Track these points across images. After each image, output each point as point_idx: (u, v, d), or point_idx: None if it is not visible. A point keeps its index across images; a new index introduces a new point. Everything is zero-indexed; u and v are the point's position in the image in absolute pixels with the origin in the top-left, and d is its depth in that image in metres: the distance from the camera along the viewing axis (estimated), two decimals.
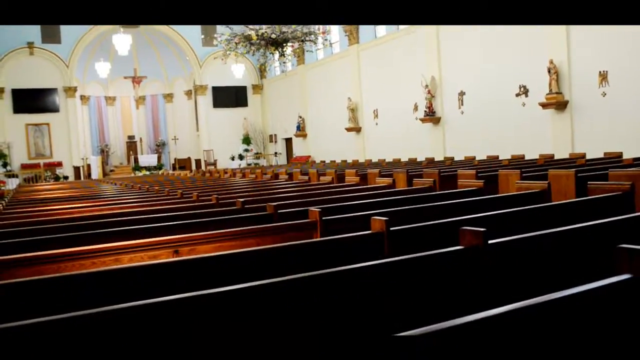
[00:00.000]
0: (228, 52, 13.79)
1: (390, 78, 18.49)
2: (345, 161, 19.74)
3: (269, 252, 3.12)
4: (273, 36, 12.82)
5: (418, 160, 15.96)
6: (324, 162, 21.43)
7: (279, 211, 4.81)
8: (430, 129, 16.58)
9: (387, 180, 7.36)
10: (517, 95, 13.66)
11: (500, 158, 12.90)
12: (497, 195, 5.15)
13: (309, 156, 24.03)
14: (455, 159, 14.82)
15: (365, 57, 19.86)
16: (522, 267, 2.70)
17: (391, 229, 3.30)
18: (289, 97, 25.62)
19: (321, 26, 15.18)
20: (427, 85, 16.26)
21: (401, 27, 17.98)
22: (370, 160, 18.70)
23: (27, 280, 2.60)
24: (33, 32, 23.94)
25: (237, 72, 20.45)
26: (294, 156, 25.67)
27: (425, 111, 16.42)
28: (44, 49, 24.23)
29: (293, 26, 13.10)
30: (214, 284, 2.17)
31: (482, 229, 2.53)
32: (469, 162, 12.70)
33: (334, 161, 20.65)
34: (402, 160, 16.81)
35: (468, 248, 2.54)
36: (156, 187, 9.71)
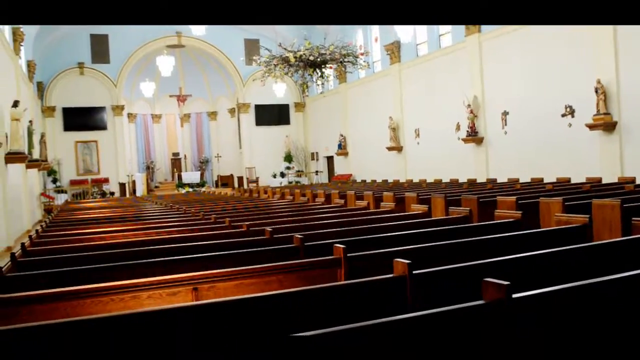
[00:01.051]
0: (266, 75, 13.89)
1: (432, 97, 18.26)
2: (386, 181, 19.54)
3: (287, 297, 3.03)
4: (311, 58, 12.85)
5: (460, 181, 15.64)
6: (365, 181, 21.29)
7: (306, 244, 4.71)
8: (473, 149, 16.23)
9: (422, 208, 7.16)
10: (563, 115, 13.22)
11: (545, 181, 12.49)
12: (534, 231, 4.89)
13: (350, 175, 23.91)
14: (498, 180, 14.44)
15: (406, 76, 19.70)
16: (552, 325, 2.51)
17: (414, 272, 3.15)
18: (331, 115, 25.64)
19: (361, 46, 15.07)
20: (469, 105, 15.96)
21: (443, 45, 17.77)
22: (411, 180, 18.46)
23: (37, 326, 2.57)
24: (84, 52, 24.77)
25: (279, 91, 20.58)
26: (335, 174, 25.60)
27: (467, 131, 16.10)
28: (93, 69, 25.03)
29: (331, 48, 13.10)
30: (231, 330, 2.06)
31: (505, 283, 2.36)
32: (512, 184, 12.33)
33: (375, 180, 20.49)
34: (443, 180, 16.51)
35: (490, 303, 2.37)
36: (192, 210, 9.77)
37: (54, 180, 23.61)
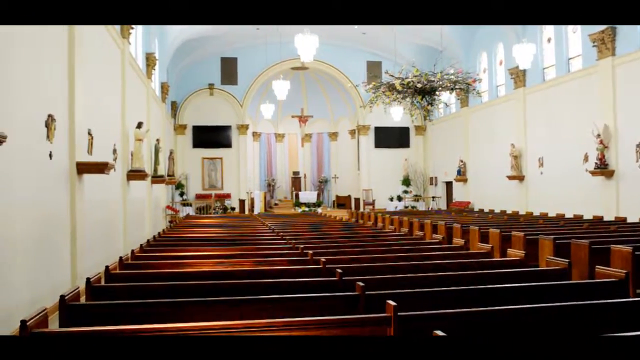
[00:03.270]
0: (373, 101, 13.72)
1: (558, 124, 16.98)
2: (504, 211, 18.45)
3: None
4: (419, 85, 12.45)
5: (585, 217, 14.33)
6: (482, 210, 20.29)
7: (367, 292, 4.42)
8: (601, 183, 14.78)
9: (562, 263, 5.70)
10: None
11: None
12: (633, 300, 4.20)
13: (469, 202, 22.92)
14: (630, 219, 13.01)
15: (531, 101, 18.53)
16: None
17: None
18: (451, 139, 24.83)
19: (473, 74, 14.37)
20: (599, 134, 14.59)
21: (572, 69, 16.49)
22: (532, 213, 17.25)
23: None
24: (214, 74, 26.29)
25: (396, 114, 20.29)
26: (454, 201, 24.69)
27: (596, 163, 14.71)
28: (222, 90, 26.44)
29: (439, 75, 12.60)
30: None
31: None
32: None
33: (493, 210, 19.44)
34: (566, 215, 15.23)
35: None
36: (287, 236, 9.79)
37: (181, 194, 25.14)
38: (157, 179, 16.82)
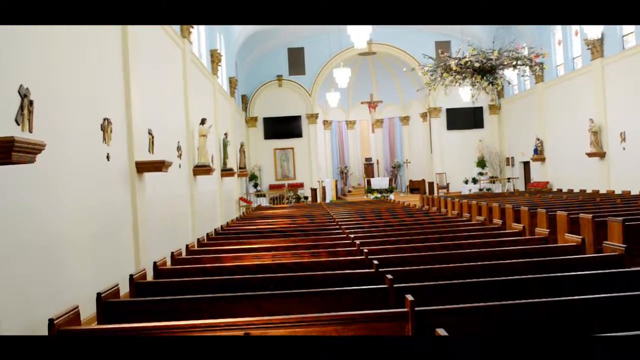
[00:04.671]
0: (429, 84, 13.32)
1: None
2: (584, 191, 17.52)
3: None
4: (477, 65, 11.93)
5: None
6: (561, 190, 19.36)
7: (395, 285, 4.33)
8: None
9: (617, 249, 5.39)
10: None
11: None
12: None
13: (547, 182, 21.91)
14: None
15: (610, 72, 17.36)
16: None
17: None
18: (527, 117, 23.78)
19: (535, 49, 13.57)
20: None
21: None
22: (613, 191, 16.24)
23: None
24: (282, 65, 26.59)
25: (465, 95, 19.65)
26: (531, 181, 23.69)
27: None
28: (290, 81, 26.69)
29: (495, 53, 11.99)
30: None
31: None
32: None
33: (572, 190, 18.50)
34: None
35: None
36: (344, 228, 9.75)
37: (255, 185, 25.70)
38: (226, 172, 17.25)
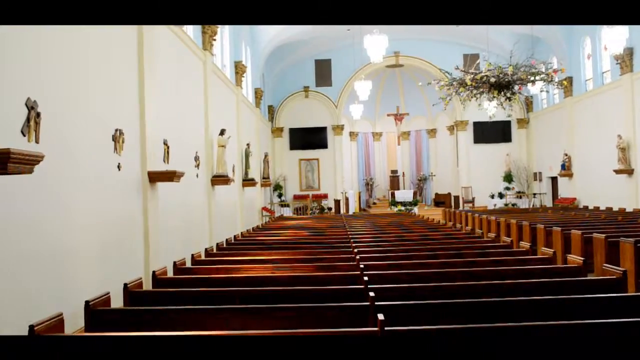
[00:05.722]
0: (449, 97, 13.23)
1: None
2: (611, 209, 17.13)
3: None
4: (492, 80, 11.80)
5: None
6: (587, 207, 18.97)
7: (377, 303, 4.32)
8: None
9: None
10: None
11: None
12: None
13: (574, 199, 21.47)
14: None
15: None
16: None
17: None
18: (555, 132, 23.39)
19: (552, 64, 13.33)
20: None
21: None
22: (639, 209, 15.84)
23: None
24: (309, 77, 26.79)
25: (490, 109, 19.46)
26: (559, 197, 23.25)
27: None
28: (317, 92, 26.86)
29: (510, 68, 11.83)
30: None
31: None
32: None
33: (598, 208, 18.10)
34: None
35: None
36: (352, 245, 9.76)
37: (279, 195, 25.87)
38: (248, 182, 17.43)
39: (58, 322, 3.89)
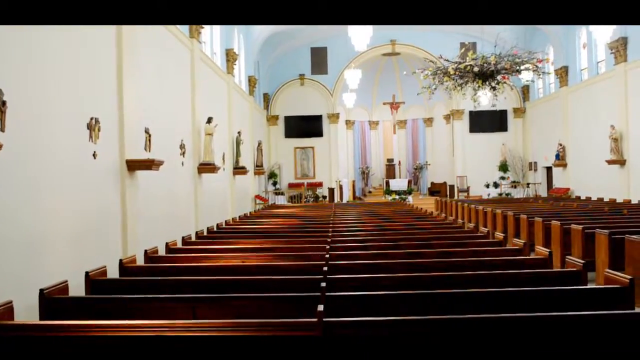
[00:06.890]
0: (434, 87, 13.19)
1: None
2: (602, 199, 17.10)
3: None
4: (475, 69, 11.74)
5: None
6: (579, 198, 18.95)
7: (327, 294, 4.34)
8: None
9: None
10: None
11: None
12: None
13: (568, 189, 21.43)
14: None
15: (634, 77, 16.87)
16: None
17: None
18: (551, 121, 23.31)
19: (538, 53, 13.23)
20: None
21: None
22: (629, 200, 15.82)
23: None
24: (304, 64, 26.70)
25: (483, 99, 19.37)
26: (553, 187, 23.21)
27: None
28: (312, 80, 26.78)
29: (493, 58, 11.77)
30: None
31: None
32: None
33: (590, 198, 18.08)
34: None
35: None
36: (333, 230, 9.77)
37: (274, 183, 25.89)
38: (239, 170, 17.44)
39: (7, 309, 3.91)
